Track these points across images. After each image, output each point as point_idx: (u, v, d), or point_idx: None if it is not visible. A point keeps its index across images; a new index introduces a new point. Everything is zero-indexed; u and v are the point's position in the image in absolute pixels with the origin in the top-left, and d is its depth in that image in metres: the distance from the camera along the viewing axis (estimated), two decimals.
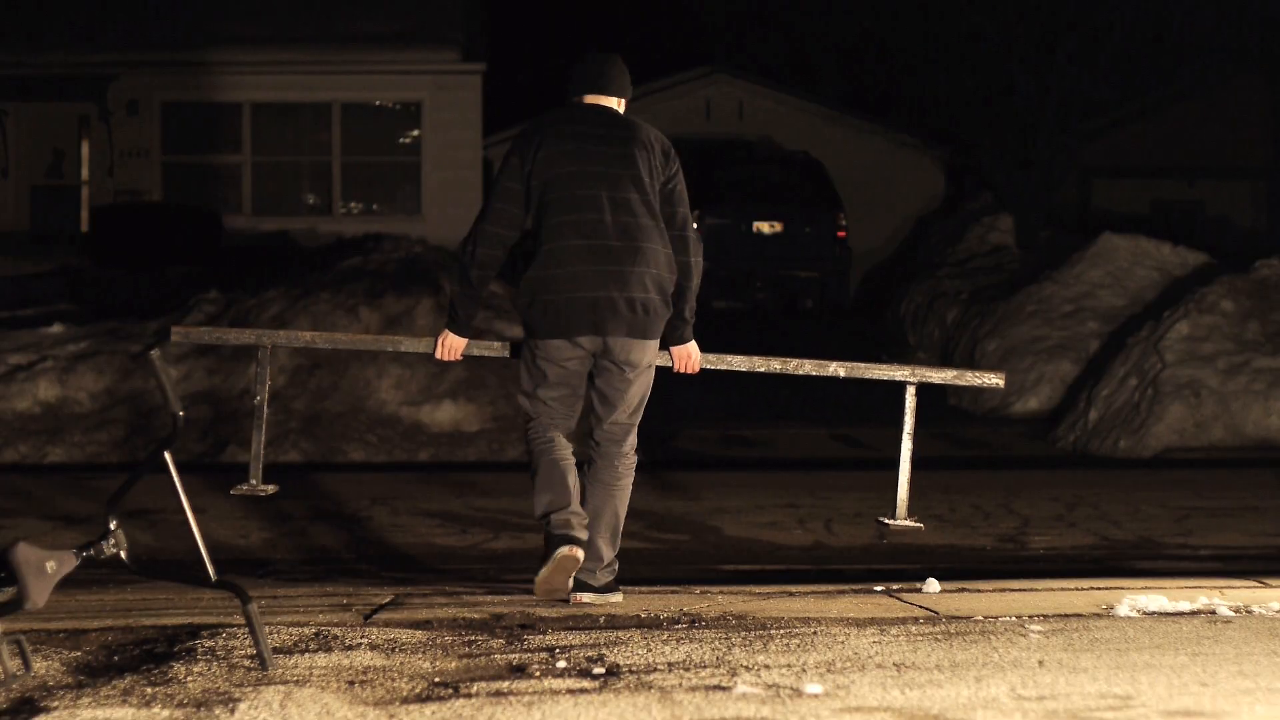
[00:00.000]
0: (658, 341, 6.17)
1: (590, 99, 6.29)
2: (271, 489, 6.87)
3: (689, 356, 6.40)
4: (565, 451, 6.18)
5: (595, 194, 6.06)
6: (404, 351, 13.73)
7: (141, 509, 9.11)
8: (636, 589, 6.52)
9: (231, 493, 6.94)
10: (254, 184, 23.22)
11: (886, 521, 6.73)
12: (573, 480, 6.10)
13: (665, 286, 6.10)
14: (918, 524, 6.71)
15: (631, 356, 6.08)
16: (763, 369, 6.87)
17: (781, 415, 15.40)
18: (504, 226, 6.14)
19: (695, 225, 6.35)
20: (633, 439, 6.26)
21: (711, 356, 6.58)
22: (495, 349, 6.73)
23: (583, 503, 6.18)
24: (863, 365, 6.97)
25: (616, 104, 6.31)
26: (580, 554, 5.95)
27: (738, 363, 6.81)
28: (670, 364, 6.42)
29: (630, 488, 6.27)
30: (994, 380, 7.06)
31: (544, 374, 6.14)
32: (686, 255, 6.19)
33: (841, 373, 6.86)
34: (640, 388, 6.19)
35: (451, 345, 6.37)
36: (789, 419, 15.33)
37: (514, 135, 6.40)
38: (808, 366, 6.91)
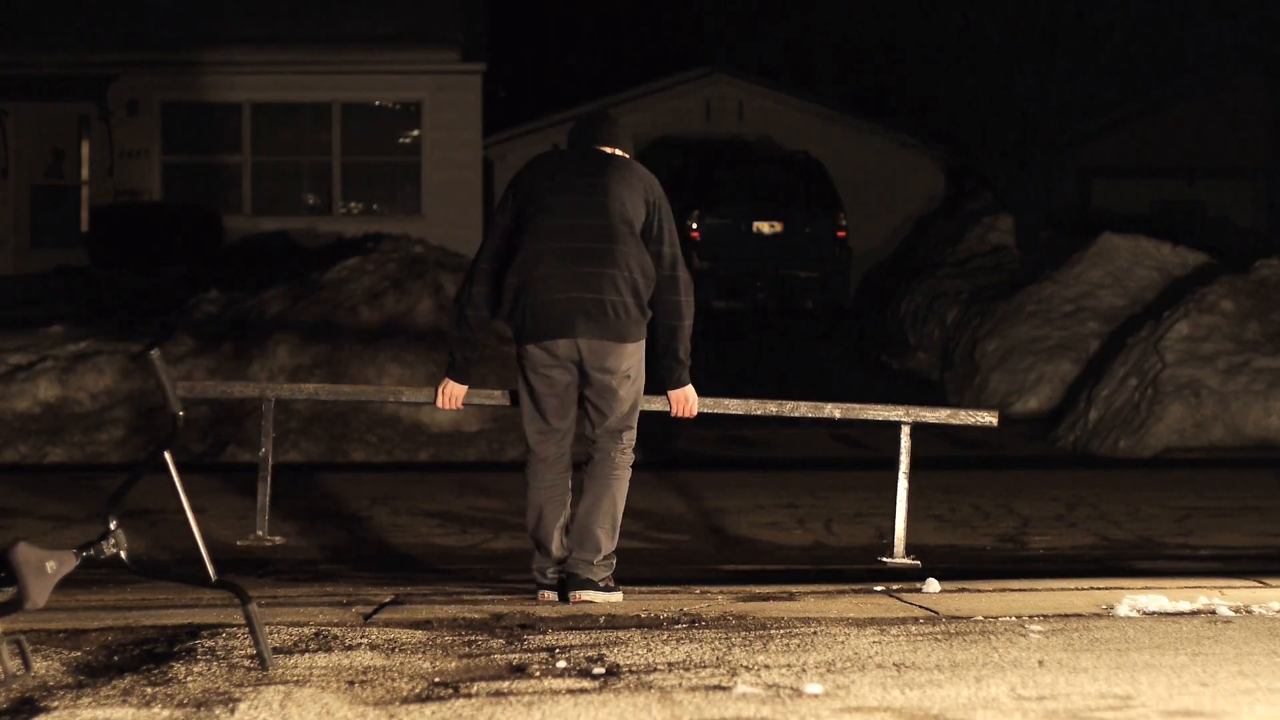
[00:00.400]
0: (637, 346, 6.20)
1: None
2: (279, 540, 6.99)
3: (686, 401, 6.49)
4: (559, 478, 6.32)
5: (570, 201, 6.19)
6: (404, 353, 13.72)
7: (141, 509, 9.10)
8: (636, 589, 6.53)
9: (239, 544, 7.01)
10: (254, 184, 23.21)
11: (885, 560, 6.78)
12: (558, 523, 6.30)
13: (640, 290, 6.15)
14: (915, 562, 6.75)
15: (607, 362, 6.12)
16: (759, 412, 6.99)
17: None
18: (496, 263, 6.29)
19: (688, 270, 6.37)
20: (630, 436, 6.31)
21: (709, 401, 6.66)
22: (496, 397, 6.81)
23: (578, 499, 6.30)
24: (857, 406, 7.11)
25: (608, 151, 6.42)
26: (553, 597, 6.31)
27: (734, 407, 6.94)
28: (669, 409, 6.48)
29: (628, 480, 6.34)
30: (987, 419, 7.14)
31: (532, 386, 6.24)
32: (677, 295, 6.26)
33: (837, 414, 6.99)
34: (628, 394, 6.23)
35: (452, 393, 6.54)
36: (789, 419, 15.30)
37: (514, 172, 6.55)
38: (803, 409, 7.03)
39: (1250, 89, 25.75)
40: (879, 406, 7.16)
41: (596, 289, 6.06)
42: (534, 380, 6.20)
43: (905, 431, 6.93)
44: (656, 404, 6.61)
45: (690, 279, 6.35)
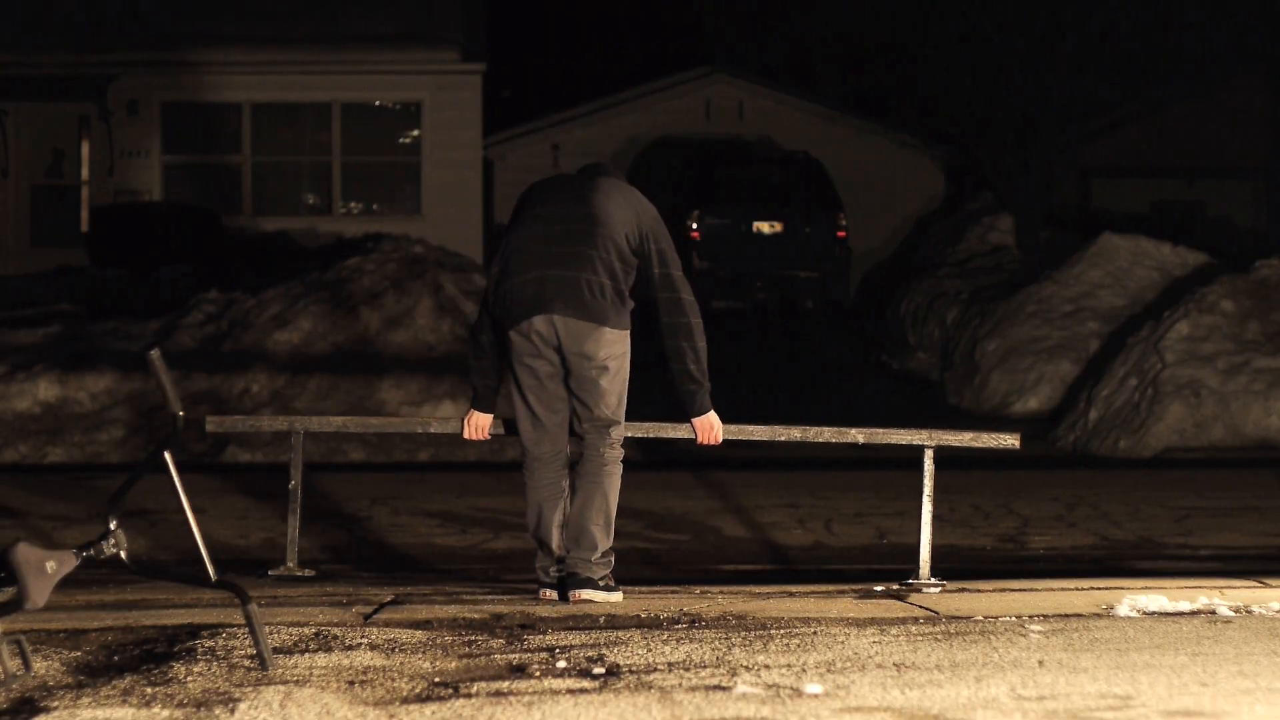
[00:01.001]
0: (618, 335, 6.18)
1: None
2: (309, 574, 7.05)
3: (711, 428, 6.48)
4: (555, 476, 6.34)
5: (557, 201, 6.28)
6: (404, 355, 13.70)
7: (141, 509, 9.11)
8: (636, 589, 6.53)
9: (270, 573, 7.07)
10: (254, 184, 23.21)
11: (911, 582, 6.79)
12: (557, 519, 6.32)
13: (618, 274, 6.17)
14: (941, 582, 6.75)
15: (585, 346, 6.12)
16: (784, 438, 7.05)
17: (782, 415, 15.39)
18: None
19: (691, 292, 6.34)
20: (618, 431, 6.32)
21: (734, 428, 6.68)
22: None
23: (572, 497, 6.31)
24: (881, 431, 7.15)
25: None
26: (554, 596, 6.34)
27: (759, 433, 6.98)
28: (694, 436, 6.48)
29: (619, 475, 6.35)
30: (1009, 442, 7.15)
31: (518, 379, 6.28)
32: (684, 316, 6.26)
33: (860, 439, 7.03)
34: (610, 386, 6.22)
35: (477, 423, 6.60)
36: (789, 419, 15.31)
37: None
38: (827, 434, 7.09)
39: (1250, 89, 25.74)
40: (903, 431, 7.19)
41: (572, 267, 6.10)
42: (519, 372, 6.23)
43: (928, 456, 6.94)
44: (682, 431, 6.62)
45: (694, 300, 6.32)
